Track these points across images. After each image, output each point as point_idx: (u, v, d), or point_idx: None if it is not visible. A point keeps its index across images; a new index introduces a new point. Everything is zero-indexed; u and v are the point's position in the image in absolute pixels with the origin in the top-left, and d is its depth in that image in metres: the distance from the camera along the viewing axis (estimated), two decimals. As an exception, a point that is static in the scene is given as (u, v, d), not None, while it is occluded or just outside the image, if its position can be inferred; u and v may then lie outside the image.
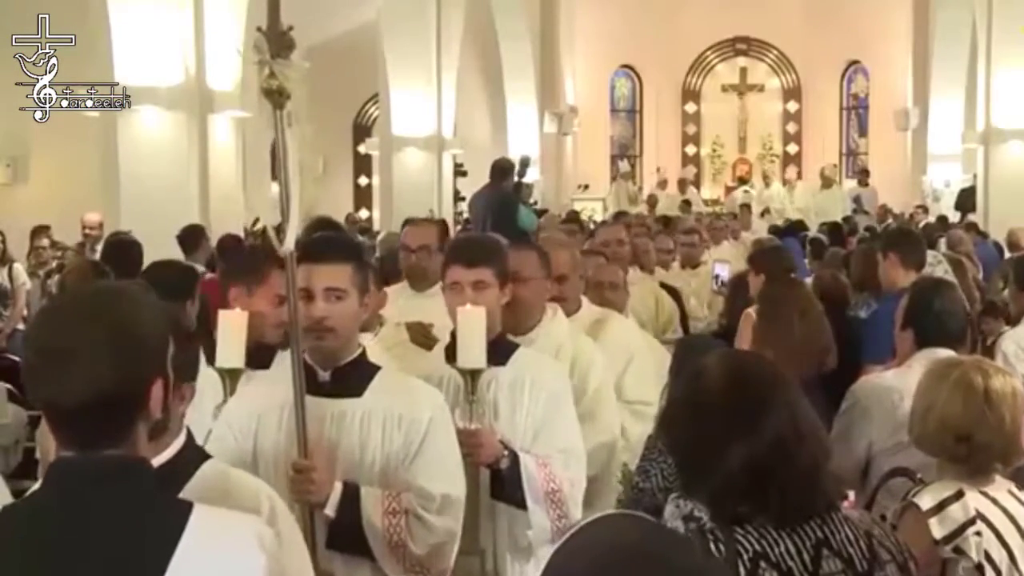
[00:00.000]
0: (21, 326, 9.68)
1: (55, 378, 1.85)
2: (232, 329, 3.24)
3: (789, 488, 2.15)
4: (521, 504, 3.37)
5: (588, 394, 3.95)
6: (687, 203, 17.47)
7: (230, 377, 3.20)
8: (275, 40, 2.94)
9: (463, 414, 3.31)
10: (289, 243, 2.95)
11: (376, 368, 3.15)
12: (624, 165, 23.01)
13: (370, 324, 4.43)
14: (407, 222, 6.20)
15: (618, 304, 5.30)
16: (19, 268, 9.87)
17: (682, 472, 2.27)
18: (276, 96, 2.95)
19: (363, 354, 3.16)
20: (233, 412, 3.14)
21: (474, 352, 3.28)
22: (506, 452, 3.34)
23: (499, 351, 3.48)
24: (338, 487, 2.95)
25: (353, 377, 3.09)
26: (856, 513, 2.36)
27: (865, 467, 3.81)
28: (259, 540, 1.96)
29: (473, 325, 3.30)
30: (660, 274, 8.16)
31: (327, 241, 3.12)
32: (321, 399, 3.03)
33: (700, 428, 2.20)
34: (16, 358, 8.25)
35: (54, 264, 10.35)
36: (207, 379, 3.14)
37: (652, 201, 20.47)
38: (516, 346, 3.60)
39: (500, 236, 7.59)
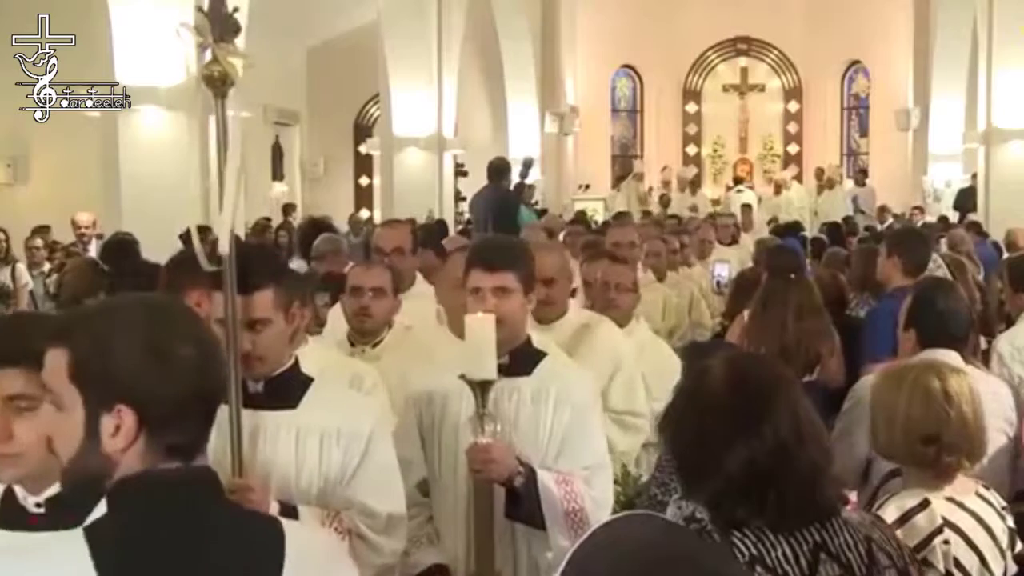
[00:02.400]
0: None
1: (219, 371, 1.84)
2: None
3: (788, 492, 2.13)
4: (539, 524, 3.19)
5: None
6: (647, 213, 17.06)
7: None
8: (219, 23, 2.69)
9: (473, 428, 3.12)
10: (223, 246, 2.70)
11: (309, 379, 2.98)
12: (639, 165, 23.05)
13: (379, 330, 4.38)
14: (380, 223, 6.07)
15: (625, 307, 5.13)
16: (22, 268, 9.90)
17: (682, 473, 2.25)
18: (218, 83, 2.72)
19: (296, 364, 2.98)
20: None
21: (484, 363, 3.07)
22: (521, 469, 3.15)
23: (523, 360, 3.31)
24: (275, 507, 2.72)
25: (287, 388, 2.92)
26: (857, 516, 2.34)
27: (866, 467, 3.80)
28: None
29: (482, 334, 3.08)
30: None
31: (243, 269, 2.82)
32: (254, 411, 2.83)
33: (701, 429, 2.18)
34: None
35: (46, 266, 10.37)
36: None
37: (665, 201, 20.48)
38: (543, 355, 3.40)
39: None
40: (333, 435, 2.87)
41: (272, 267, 2.99)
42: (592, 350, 4.37)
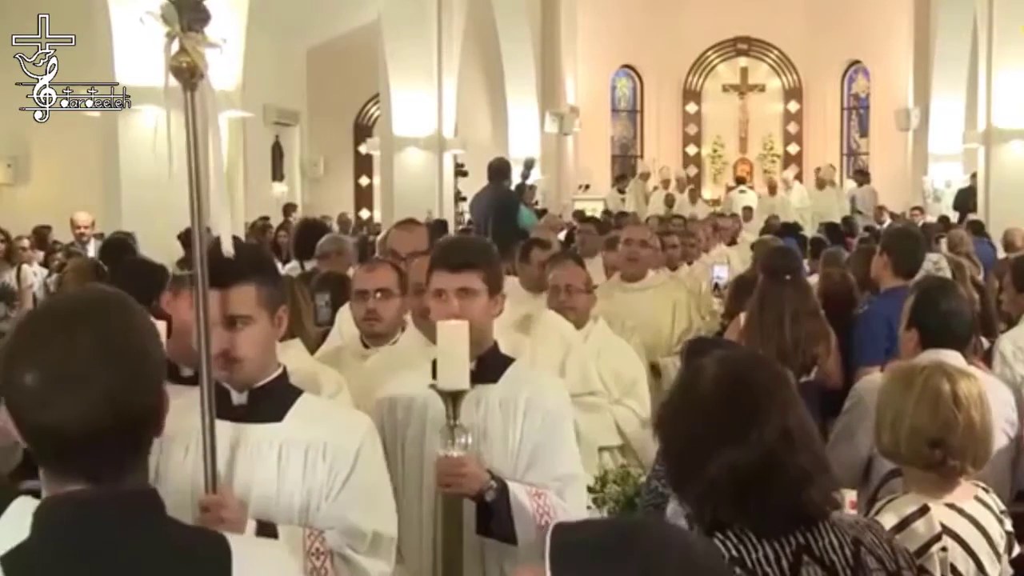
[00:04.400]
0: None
1: (66, 402, 1.61)
2: None
3: (773, 498, 2.11)
4: (511, 539, 3.04)
5: None
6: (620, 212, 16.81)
7: None
8: (186, 11, 2.52)
9: (444, 439, 2.97)
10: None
11: (298, 391, 2.80)
12: (643, 165, 23.07)
13: (391, 332, 4.25)
14: (395, 224, 5.68)
15: (580, 308, 5.02)
16: (27, 269, 9.92)
17: (670, 473, 2.25)
18: (187, 76, 2.56)
19: (284, 374, 2.79)
20: None
21: (456, 372, 2.92)
22: (493, 482, 3.01)
23: (490, 366, 3.17)
24: (252, 526, 2.57)
25: (272, 400, 2.73)
26: (851, 518, 2.32)
27: (867, 466, 3.80)
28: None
29: (455, 341, 2.94)
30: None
31: (222, 261, 2.67)
32: (235, 424, 2.66)
33: (689, 431, 2.17)
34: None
35: (35, 265, 10.38)
36: None
37: (669, 201, 20.51)
38: (510, 361, 3.27)
39: (501, 236, 7.47)
40: (319, 449, 2.68)
41: (256, 262, 2.79)
42: (539, 338, 4.32)
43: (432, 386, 2.99)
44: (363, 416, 2.90)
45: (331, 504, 2.67)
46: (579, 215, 15.16)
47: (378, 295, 4.24)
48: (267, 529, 2.58)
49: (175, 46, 2.54)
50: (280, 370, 2.78)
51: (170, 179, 2.74)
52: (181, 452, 2.67)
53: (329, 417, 2.80)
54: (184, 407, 2.68)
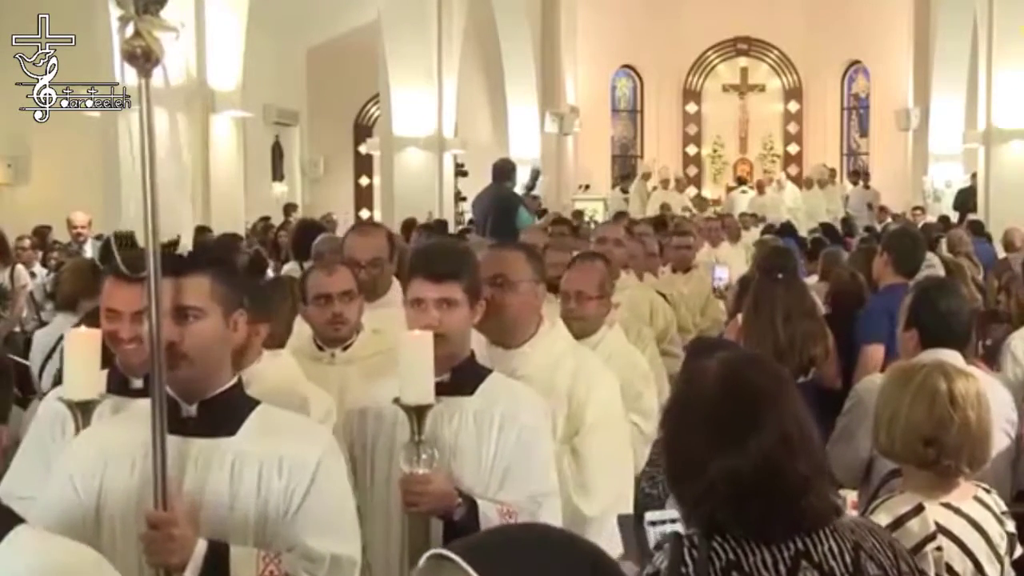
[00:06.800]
0: (18, 328, 9.68)
1: None
2: (81, 352, 2.77)
3: (772, 504, 2.10)
4: None
5: (582, 429, 3.48)
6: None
7: (81, 411, 2.74)
8: None
9: (408, 456, 2.86)
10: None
11: (255, 402, 2.64)
12: (643, 165, 23.09)
13: (349, 334, 4.16)
14: (352, 229, 5.29)
15: (589, 316, 4.62)
16: (21, 269, 9.89)
17: (669, 469, 2.24)
18: (142, 61, 2.43)
19: (238, 384, 2.63)
20: (77, 455, 2.61)
21: (420, 385, 2.81)
22: (460, 500, 2.90)
23: (465, 378, 3.06)
24: (202, 545, 2.44)
25: (225, 412, 2.57)
26: (852, 522, 2.30)
27: (868, 467, 3.79)
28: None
29: (419, 354, 2.83)
30: (649, 279, 7.44)
31: (179, 255, 2.56)
32: (185, 438, 2.51)
33: (687, 435, 2.16)
34: (14, 358, 8.22)
35: (36, 266, 10.37)
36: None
37: (666, 206, 20.45)
38: (487, 373, 3.14)
39: (500, 236, 7.39)
40: (274, 464, 2.52)
41: (215, 257, 2.69)
42: None
43: (396, 400, 2.88)
44: (323, 429, 2.76)
45: (288, 524, 2.53)
46: (559, 218, 14.90)
47: (343, 298, 4.12)
48: (219, 549, 2.46)
49: (129, 30, 2.40)
50: (234, 380, 2.63)
51: (133, 170, 2.60)
52: (127, 468, 2.56)
53: (286, 430, 2.63)
54: (129, 420, 2.63)
